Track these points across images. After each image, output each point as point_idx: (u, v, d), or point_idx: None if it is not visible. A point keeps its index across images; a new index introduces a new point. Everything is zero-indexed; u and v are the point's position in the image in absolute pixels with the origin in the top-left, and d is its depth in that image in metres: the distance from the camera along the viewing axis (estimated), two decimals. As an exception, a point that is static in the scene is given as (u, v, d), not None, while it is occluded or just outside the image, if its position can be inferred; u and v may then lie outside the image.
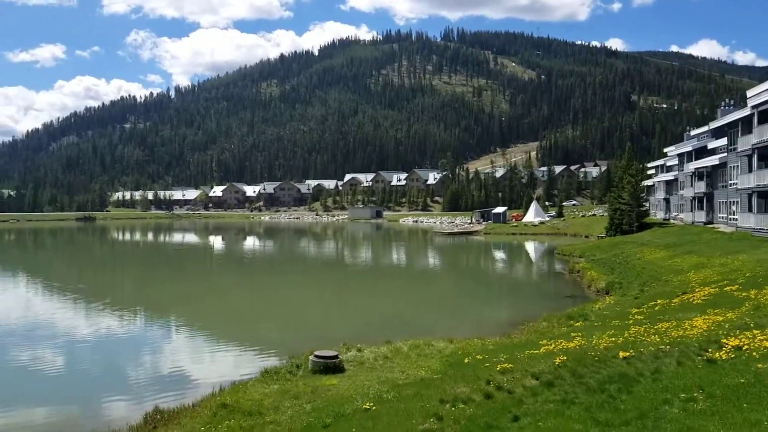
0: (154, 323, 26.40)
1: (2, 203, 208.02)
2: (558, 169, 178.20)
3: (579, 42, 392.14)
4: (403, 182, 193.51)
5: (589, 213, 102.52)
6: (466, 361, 14.40)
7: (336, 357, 15.23)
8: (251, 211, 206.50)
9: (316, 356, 15.08)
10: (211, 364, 19.15)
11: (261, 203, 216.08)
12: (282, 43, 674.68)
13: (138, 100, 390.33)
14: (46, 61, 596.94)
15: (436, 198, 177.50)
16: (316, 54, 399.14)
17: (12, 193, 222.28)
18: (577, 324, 19.66)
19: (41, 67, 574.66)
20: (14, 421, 13.97)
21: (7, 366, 18.96)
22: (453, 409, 10.54)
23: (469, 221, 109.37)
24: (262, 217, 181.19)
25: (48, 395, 15.96)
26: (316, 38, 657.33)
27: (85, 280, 43.71)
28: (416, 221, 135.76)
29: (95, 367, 18.96)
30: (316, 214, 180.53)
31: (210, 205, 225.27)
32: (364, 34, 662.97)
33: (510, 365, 12.45)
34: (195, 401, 13.44)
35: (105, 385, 16.79)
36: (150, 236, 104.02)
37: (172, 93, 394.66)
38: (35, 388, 16.67)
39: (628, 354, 11.57)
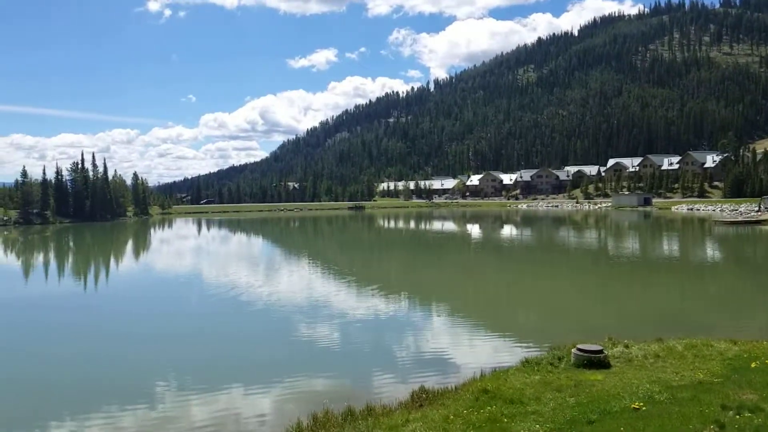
0: (417, 307, 27.81)
1: (288, 194, 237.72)
2: None
3: None
4: (676, 166, 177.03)
5: None
6: (753, 365, 12.76)
7: (601, 352, 14.52)
8: (508, 199, 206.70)
9: (580, 349, 14.53)
10: (470, 349, 19.56)
11: (518, 191, 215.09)
12: (538, 27, 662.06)
13: (400, 95, 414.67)
14: (321, 65, 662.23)
15: (715, 183, 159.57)
16: (576, 34, 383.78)
17: (296, 185, 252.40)
18: None
19: (317, 71, 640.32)
20: (297, 388, 15.75)
21: (292, 339, 21.53)
22: (737, 417, 9.42)
23: (757, 209, 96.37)
24: (519, 205, 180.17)
25: (325, 367, 17.63)
26: (575, 18, 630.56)
27: (357, 264, 47.84)
28: (691, 209, 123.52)
29: (365, 345, 20.56)
30: (576, 202, 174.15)
31: (467, 193, 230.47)
32: (629, 8, 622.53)
33: (812, 375, 10.71)
34: (457, 384, 13.81)
35: (374, 362, 18.06)
36: (412, 224, 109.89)
37: (431, 86, 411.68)
38: (315, 359, 18.57)
39: None
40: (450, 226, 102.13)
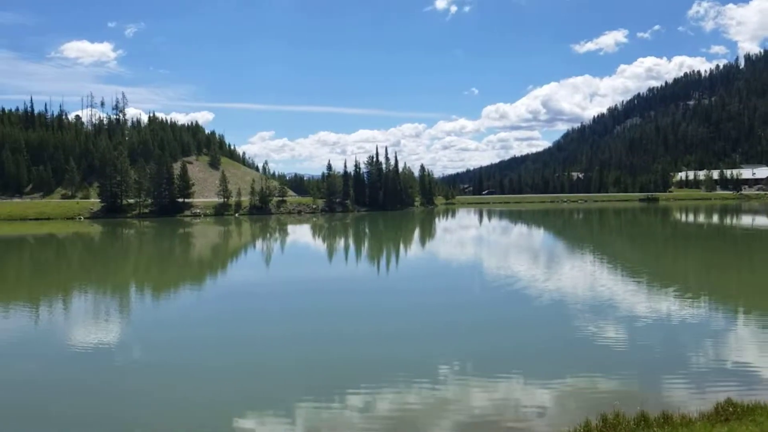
0: (719, 311, 24.80)
1: (571, 185, 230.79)
2: None
3: None
4: None
5: None
6: None
7: None
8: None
9: None
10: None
11: None
12: None
13: (702, 74, 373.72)
14: (609, 47, 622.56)
15: None
16: None
17: (580, 175, 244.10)
18: None
19: (604, 54, 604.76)
20: (580, 385, 15.17)
21: (577, 335, 20.70)
22: None
23: None
24: None
25: (612, 367, 16.58)
26: None
27: (650, 262, 44.44)
28: None
29: (657, 348, 18.83)
30: None
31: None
32: None
33: None
34: (770, 401, 11.92)
35: (666, 367, 16.52)
36: (715, 218, 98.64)
37: (741, 62, 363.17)
38: (600, 358, 17.67)
39: None
40: (763, 221, 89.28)
